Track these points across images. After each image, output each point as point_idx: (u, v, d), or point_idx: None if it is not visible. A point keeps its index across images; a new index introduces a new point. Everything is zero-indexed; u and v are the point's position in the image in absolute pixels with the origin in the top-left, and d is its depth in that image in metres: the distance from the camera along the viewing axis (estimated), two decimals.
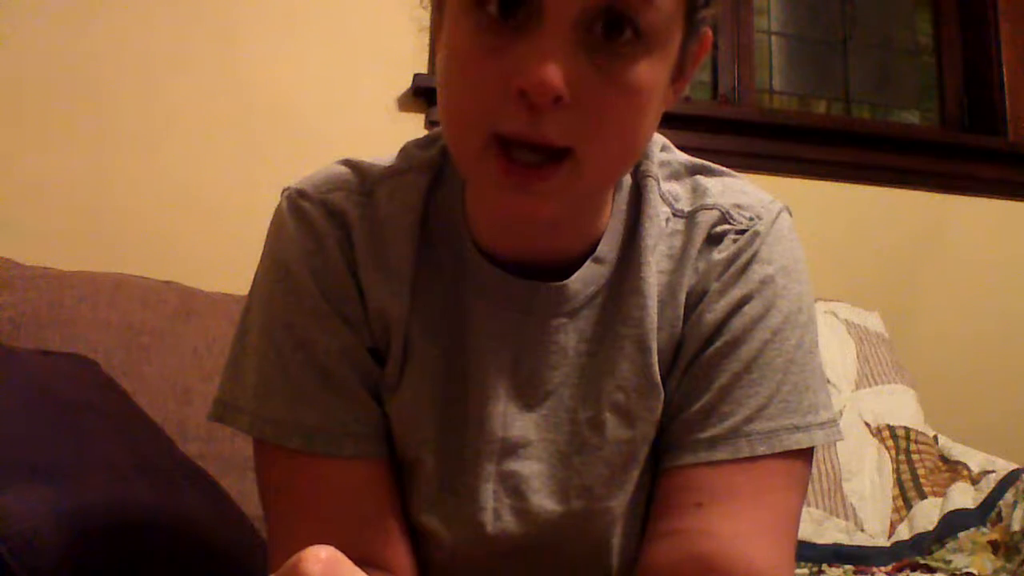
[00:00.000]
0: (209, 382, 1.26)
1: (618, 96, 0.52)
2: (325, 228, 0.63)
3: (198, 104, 1.65)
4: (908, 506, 1.49)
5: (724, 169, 0.70)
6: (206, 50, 1.67)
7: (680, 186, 0.67)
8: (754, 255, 0.63)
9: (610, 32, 0.50)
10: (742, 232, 0.64)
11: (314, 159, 0.75)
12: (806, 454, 0.62)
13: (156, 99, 1.64)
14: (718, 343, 0.62)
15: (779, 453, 0.60)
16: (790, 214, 0.68)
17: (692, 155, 0.71)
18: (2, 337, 1.20)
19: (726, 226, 0.64)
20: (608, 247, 0.65)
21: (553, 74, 0.49)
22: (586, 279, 0.64)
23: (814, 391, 0.63)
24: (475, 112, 0.52)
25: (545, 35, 0.49)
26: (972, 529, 1.39)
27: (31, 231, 1.52)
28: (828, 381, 1.55)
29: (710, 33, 0.59)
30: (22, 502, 0.68)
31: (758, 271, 0.63)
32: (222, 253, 1.58)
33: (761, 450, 0.59)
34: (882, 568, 1.36)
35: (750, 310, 0.62)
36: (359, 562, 0.35)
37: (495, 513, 0.64)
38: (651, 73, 0.52)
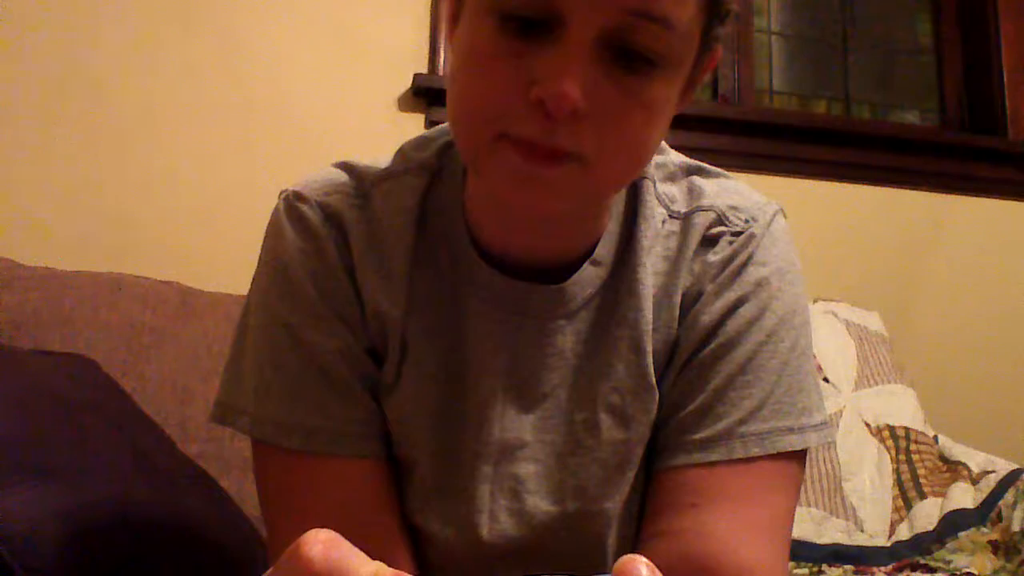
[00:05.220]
0: (209, 382, 1.26)
1: (633, 111, 0.52)
2: (322, 230, 0.63)
3: (199, 104, 1.66)
4: (908, 506, 1.49)
5: (719, 170, 0.70)
6: (207, 50, 1.67)
7: (676, 187, 0.68)
8: (749, 257, 0.63)
9: (629, 57, 0.51)
10: (738, 234, 0.64)
11: (314, 159, 0.75)
12: (800, 456, 0.63)
13: (156, 99, 1.64)
14: (713, 345, 0.62)
15: (773, 455, 0.60)
16: (785, 216, 0.68)
17: (691, 155, 0.72)
18: (2, 337, 1.20)
19: (722, 228, 0.65)
20: (605, 249, 0.65)
21: (573, 87, 0.49)
22: (583, 281, 0.64)
23: (807, 393, 0.63)
24: (489, 110, 0.52)
25: (566, 46, 0.49)
26: (972, 529, 1.39)
27: (31, 231, 1.52)
28: (828, 381, 1.58)
29: (720, 48, 0.59)
30: (22, 502, 0.68)
31: (753, 273, 0.63)
32: (222, 253, 1.58)
33: (755, 451, 0.60)
34: (882, 568, 1.37)
35: (745, 312, 0.62)
36: None
37: (491, 515, 0.64)
38: (666, 90, 0.53)
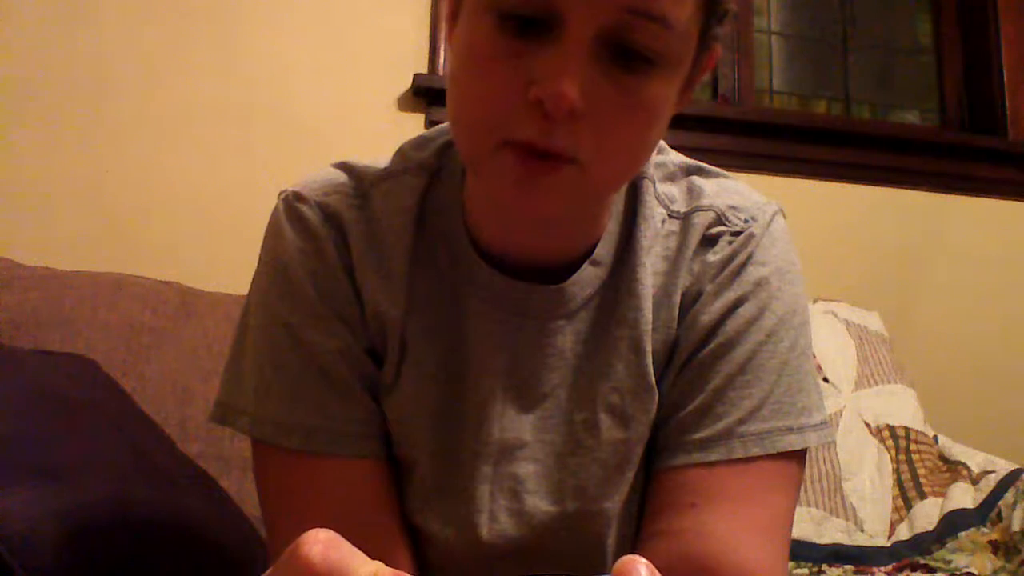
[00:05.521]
0: (209, 382, 1.26)
1: (631, 110, 0.52)
2: (322, 231, 0.63)
3: (198, 104, 1.66)
4: (908, 506, 1.49)
5: (718, 170, 0.70)
6: (206, 50, 1.68)
7: (676, 187, 0.68)
8: (749, 257, 0.63)
9: (627, 56, 0.51)
10: (737, 234, 0.64)
11: (314, 159, 0.75)
12: (799, 455, 0.63)
13: (157, 99, 1.64)
14: (712, 344, 0.62)
15: (773, 454, 0.60)
16: (785, 216, 0.68)
17: (691, 155, 0.72)
18: (2, 337, 1.20)
19: (721, 228, 0.65)
20: (605, 249, 0.65)
21: (572, 87, 0.49)
22: (583, 281, 0.64)
23: (807, 393, 0.63)
24: (489, 116, 0.52)
25: (565, 46, 0.49)
26: (972, 529, 1.39)
27: (31, 231, 1.53)
28: (828, 381, 1.58)
29: (719, 48, 0.59)
30: (22, 502, 0.68)
31: (753, 273, 0.63)
32: (222, 253, 1.58)
33: (755, 451, 0.60)
34: (882, 568, 1.37)
35: (744, 312, 0.62)
36: None
37: (491, 515, 0.64)
38: (664, 89, 0.53)
